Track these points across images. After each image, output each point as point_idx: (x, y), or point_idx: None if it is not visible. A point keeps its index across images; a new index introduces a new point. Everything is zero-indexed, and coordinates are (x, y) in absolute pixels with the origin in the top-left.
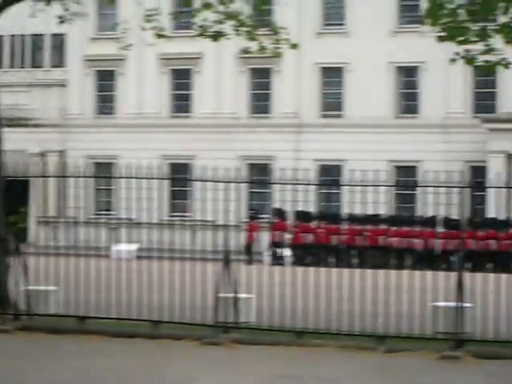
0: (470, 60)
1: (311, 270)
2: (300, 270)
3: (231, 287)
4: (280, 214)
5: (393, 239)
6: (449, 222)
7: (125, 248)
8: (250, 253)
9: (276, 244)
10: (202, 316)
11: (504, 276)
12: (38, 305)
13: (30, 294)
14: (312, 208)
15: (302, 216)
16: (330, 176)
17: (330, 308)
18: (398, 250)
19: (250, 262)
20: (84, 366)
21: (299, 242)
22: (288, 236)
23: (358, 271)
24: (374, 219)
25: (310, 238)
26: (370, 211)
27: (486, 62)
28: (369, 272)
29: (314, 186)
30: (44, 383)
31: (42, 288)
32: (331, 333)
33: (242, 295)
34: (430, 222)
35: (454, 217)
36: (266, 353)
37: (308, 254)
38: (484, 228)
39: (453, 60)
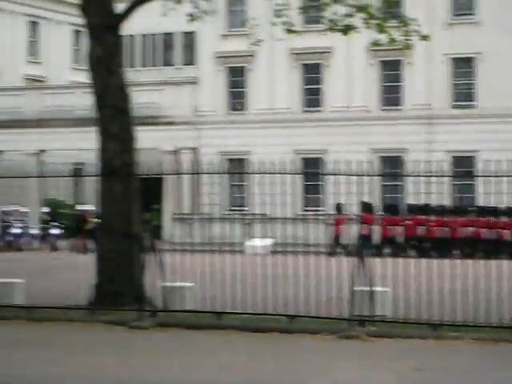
0: None
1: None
2: (412, 262)
3: (366, 280)
4: (367, 207)
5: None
6: None
7: (259, 243)
8: (335, 245)
9: (364, 237)
10: (337, 310)
11: None
12: (175, 301)
13: (167, 291)
14: (445, 201)
15: (390, 209)
16: (462, 167)
17: (466, 299)
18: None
19: (332, 253)
20: (222, 362)
21: (387, 235)
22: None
23: (469, 262)
24: (462, 210)
25: (397, 230)
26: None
27: None
28: (482, 263)
29: (447, 178)
30: (180, 379)
31: (178, 284)
32: (468, 325)
33: (377, 288)
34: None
35: None
36: (402, 346)
37: (398, 246)
38: None
39: None
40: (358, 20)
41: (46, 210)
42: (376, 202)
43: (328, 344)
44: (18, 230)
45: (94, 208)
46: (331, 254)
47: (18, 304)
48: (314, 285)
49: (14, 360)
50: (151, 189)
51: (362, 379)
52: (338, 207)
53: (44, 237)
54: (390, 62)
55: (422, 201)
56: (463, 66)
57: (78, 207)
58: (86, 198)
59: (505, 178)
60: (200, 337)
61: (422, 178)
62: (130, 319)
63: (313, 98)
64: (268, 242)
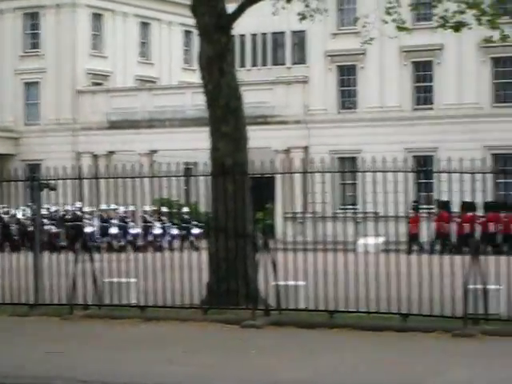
0: None
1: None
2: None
3: (480, 278)
4: (444, 205)
5: None
6: None
7: (371, 242)
8: (412, 243)
9: (441, 234)
10: (450, 308)
11: None
12: (288, 300)
13: (280, 290)
14: None
15: (467, 206)
16: None
17: None
18: None
19: (409, 251)
20: (336, 361)
21: (462, 233)
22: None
23: None
24: None
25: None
26: None
27: None
28: None
29: None
30: (296, 378)
31: (291, 283)
32: None
33: (491, 286)
34: None
35: None
36: None
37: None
38: None
39: None
40: (469, 17)
41: (165, 209)
42: (490, 199)
43: (443, 343)
44: (159, 231)
45: None
46: (408, 252)
47: (132, 303)
48: (426, 283)
49: (128, 359)
50: (263, 188)
51: (477, 378)
52: (415, 206)
53: (184, 237)
54: (501, 58)
55: None
56: None
57: None
58: (197, 198)
59: None
60: (313, 336)
61: None
62: (243, 318)
63: (423, 95)
64: (380, 240)
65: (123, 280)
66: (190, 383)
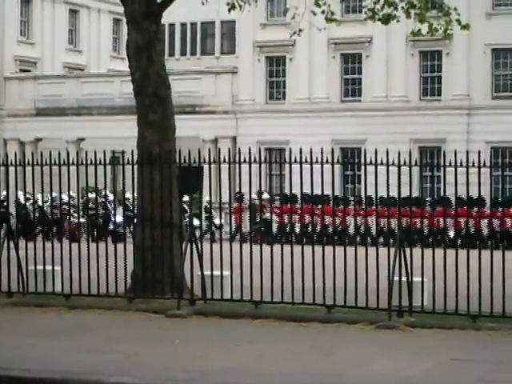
0: None
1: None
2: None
3: (405, 270)
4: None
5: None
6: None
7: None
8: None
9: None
10: (375, 300)
11: None
12: (213, 290)
13: (205, 279)
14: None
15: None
16: (503, 158)
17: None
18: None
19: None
20: (260, 351)
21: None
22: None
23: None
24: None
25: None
26: None
27: None
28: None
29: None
30: (220, 367)
31: (217, 273)
32: (506, 316)
33: (416, 278)
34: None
35: None
36: (441, 336)
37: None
38: None
39: None
40: (398, 9)
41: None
42: (415, 192)
43: (367, 334)
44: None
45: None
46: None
47: (57, 291)
48: (351, 275)
49: (52, 347)
50: (190, 177)
51: (400, 369)
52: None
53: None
54: (429, 52)
55: (462, 192)
56: (504, 56)
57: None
58: (124, 186)
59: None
60: (237, 326)
61: (460, 169)
62: (168, 307)
63: (352, 87)
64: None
65: (48, 268)
66: (113, 371)
